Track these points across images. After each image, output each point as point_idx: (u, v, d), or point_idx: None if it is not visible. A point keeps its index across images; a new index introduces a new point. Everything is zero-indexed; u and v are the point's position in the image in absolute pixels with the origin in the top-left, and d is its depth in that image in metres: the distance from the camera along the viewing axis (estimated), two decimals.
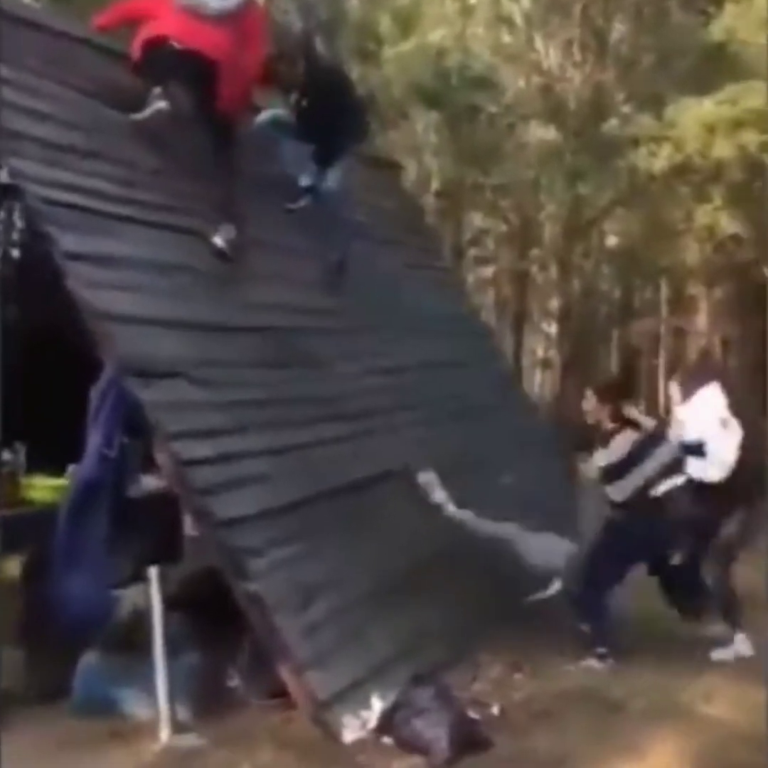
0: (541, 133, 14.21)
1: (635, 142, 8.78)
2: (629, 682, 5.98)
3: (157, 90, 6.61)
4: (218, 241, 6.55)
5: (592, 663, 6.39)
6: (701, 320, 19.33)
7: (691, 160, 7.62)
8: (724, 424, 6.65)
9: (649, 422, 7.00)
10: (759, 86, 7.42)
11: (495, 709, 5.51)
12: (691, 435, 6.73)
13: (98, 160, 5.96)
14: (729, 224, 9.37)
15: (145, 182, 6.35)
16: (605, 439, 6.73)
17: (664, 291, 21.37)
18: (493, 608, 6.93)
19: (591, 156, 8.56)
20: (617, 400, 6.92)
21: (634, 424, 6.80)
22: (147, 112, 6.59)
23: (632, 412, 7.11)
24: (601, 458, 6.69)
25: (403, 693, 5.21)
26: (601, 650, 6.44)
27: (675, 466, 6.66)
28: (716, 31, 8.64)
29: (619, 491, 6.61)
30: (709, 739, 5.21)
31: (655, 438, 6.78)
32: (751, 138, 7.32)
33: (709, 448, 6.65)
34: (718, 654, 6.63)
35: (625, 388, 10.05)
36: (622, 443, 6.67)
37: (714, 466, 6.62)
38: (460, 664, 6.05)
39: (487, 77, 13.50)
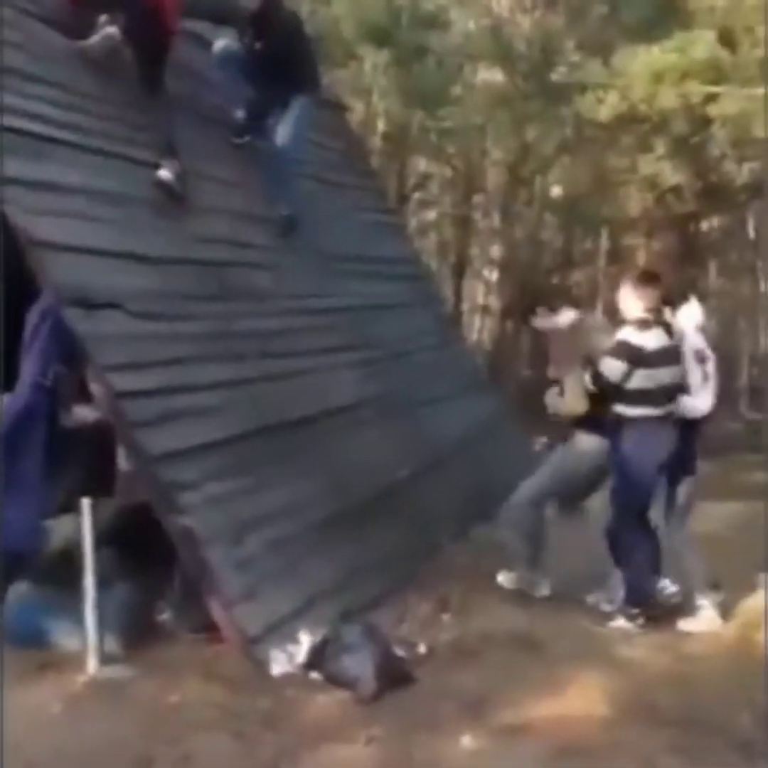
0: (489, 76, 14.20)
1: (582, 89, 8.82)
2: (554, 624, 6.12)
3: (105, 17, 6.54)
4: (164, 174, 6.49)
5: (621, 622, 6.09)
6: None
7: (636, 109, 7.67)
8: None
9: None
10: (707, 36, 7.46)
11: (421, 648, 5.63)
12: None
13: (42, 84, 5.86)
14: (671, 175, 9.46)
15: (89, 109, 6.28)
16: None
17: (604, 241, 21.60)
18: (425, 547, 7.07)
19: (539, 102, 8.57)
20: None
21: None
22: (95, 39, 6.51)
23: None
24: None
25: (332, 629, 5.31)
26: (633, 609, 6.10)
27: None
28: None
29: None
30: (627, 680, 5.37)
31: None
32: (695, 89, 7.39)
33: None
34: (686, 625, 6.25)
35: None
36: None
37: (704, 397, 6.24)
38: (390, 602, 6.16)
39: (437, 16, 13.47)
